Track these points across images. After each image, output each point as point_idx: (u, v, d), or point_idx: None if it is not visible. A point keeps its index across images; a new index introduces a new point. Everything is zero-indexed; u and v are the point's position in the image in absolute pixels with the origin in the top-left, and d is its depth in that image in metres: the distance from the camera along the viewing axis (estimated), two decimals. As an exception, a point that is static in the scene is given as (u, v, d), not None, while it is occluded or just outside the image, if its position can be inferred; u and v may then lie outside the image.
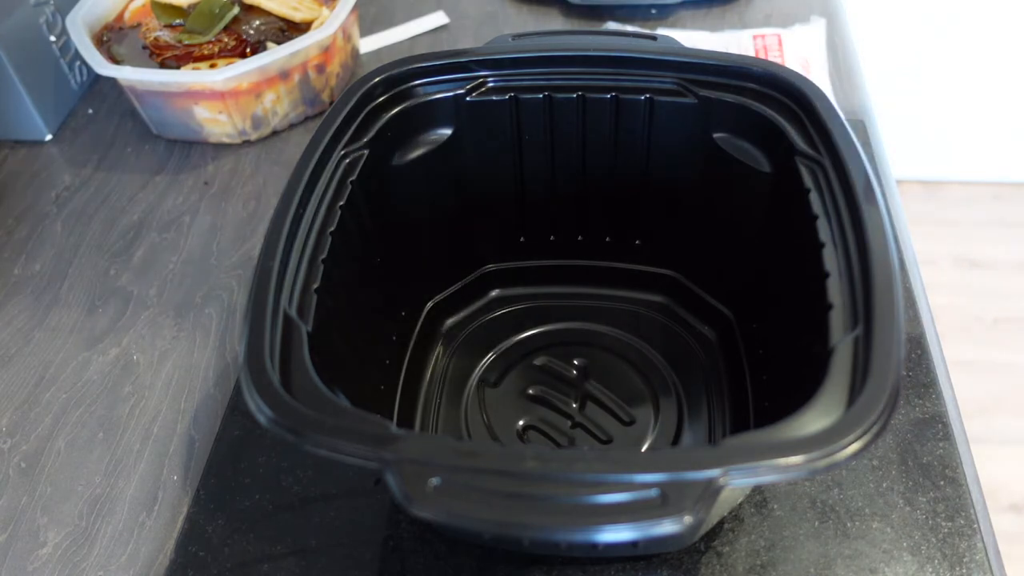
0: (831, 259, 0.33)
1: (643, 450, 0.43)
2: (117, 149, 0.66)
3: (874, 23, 1.38)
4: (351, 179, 0.39)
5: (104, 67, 0.60)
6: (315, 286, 0.35)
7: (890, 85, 1.45)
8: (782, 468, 0.27)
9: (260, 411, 0.29)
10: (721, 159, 0.42)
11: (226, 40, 0.63)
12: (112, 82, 0.70)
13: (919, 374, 0.44)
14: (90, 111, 0.70)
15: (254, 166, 0.64)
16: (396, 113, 0.42)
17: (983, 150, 1.55)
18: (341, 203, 0.38)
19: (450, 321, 0.50)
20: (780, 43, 0.68)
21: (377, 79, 0.41)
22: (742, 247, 0.44)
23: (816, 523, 0.39)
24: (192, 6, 0.65)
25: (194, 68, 0.61)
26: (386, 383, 0.45)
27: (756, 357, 0.44)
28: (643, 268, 0.50)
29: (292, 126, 0.67)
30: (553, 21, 0.75)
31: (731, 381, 0.45)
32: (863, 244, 0.32)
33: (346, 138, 0.40)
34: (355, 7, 0.67)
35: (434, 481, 0.27)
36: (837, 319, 0.31)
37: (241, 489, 0.42)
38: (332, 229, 0.37)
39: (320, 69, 0.65)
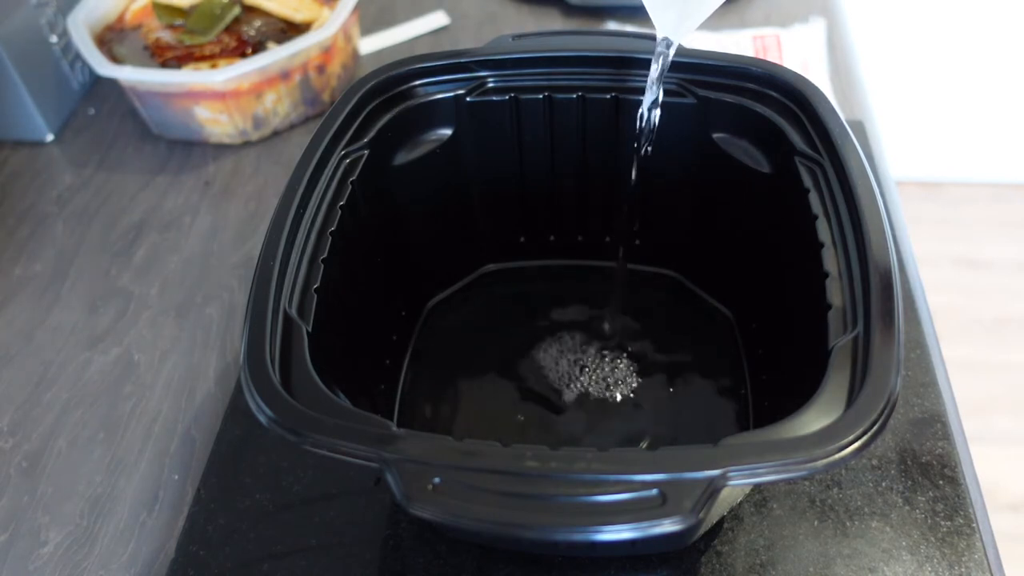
0: (831, 259, 0.33)
1: (643, 449, 0.43)
2: (118, 149, 0.66)
3: (874, 23, 1.38)
4: (351, 179, 0.39)
5: (105, 67, 0.60)
6: (315, 286, 0.35)
7: (890, 85, 1.45)
8: (781, 468, 0.27)
9: (261, 411, 0.29)
10: (721, 159, 0.42)
11: (227, 40, 0.63)
12: (113, 82, 0.70)
13: (918, 374, 0.45)
14: (91, 111, 0.70)
15: (255, 166, 0.64)
16: (396, 113, 0.42)
17: (983, 150, 1.54)
18: (341, 203, 0.38)
19: (450, 321, 0.50)
20: (779, 43, 0.68)
21: (378, 79, 0.41)
22: (742, 247, 0.44)
23: (815, 522, 0.39)
24: (193, 7, 0.65)
25: (195, 68, 0.61)
26: (386, 383, 0.45)
27: (756, 357, 0.44)
28: (643, 268, 0.50)
29: (293, 126, 0.67)
30: (553, 21, 0.75)
31: (731, 381, 0.45)
32: (862, 244, 0.32)
33: (346, 138, 0.40)
34: (356, 8, 0.67)
35: (434, 481, 0.27)
36: (837, 319, 0.31)
37: (242, 488, 0.42)
38: (332, 229, 0.37)
39: (321, 69, 0.65)
